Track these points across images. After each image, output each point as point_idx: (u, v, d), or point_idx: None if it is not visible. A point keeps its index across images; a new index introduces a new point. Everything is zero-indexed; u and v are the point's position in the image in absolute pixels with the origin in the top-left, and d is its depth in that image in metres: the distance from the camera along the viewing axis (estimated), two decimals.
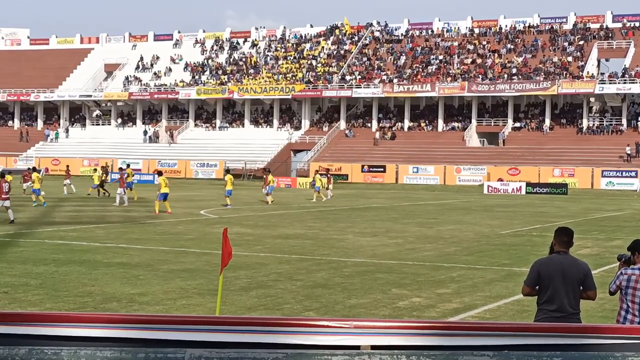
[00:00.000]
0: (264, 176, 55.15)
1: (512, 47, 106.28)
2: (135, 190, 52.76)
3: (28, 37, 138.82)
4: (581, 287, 9.91)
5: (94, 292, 17.21)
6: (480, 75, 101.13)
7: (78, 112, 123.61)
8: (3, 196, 33.81)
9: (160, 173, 46.25)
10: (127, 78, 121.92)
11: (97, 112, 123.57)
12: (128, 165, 51.88)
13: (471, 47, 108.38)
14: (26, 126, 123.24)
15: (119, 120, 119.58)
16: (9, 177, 38.96)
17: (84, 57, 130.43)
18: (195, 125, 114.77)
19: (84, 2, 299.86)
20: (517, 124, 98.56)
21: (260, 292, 17.65)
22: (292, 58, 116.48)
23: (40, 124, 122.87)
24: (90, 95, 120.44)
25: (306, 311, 15.70)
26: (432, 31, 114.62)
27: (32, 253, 23.59)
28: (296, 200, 55.22)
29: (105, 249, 25.10)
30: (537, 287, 9.98)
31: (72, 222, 34.99)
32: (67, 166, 67.37)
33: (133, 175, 54.32)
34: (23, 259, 22.27)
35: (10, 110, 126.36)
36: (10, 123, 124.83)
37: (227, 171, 51.25)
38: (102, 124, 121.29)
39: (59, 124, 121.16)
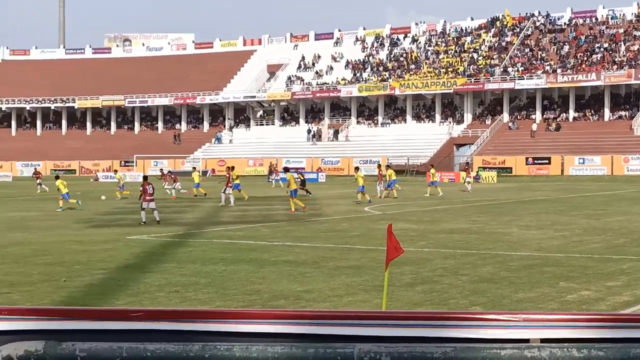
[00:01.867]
0: (379, 172, 55.75)
1: None
2: (244, 191, 52.74)
3: (193, 42, 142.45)
4: None
5: (262, 290, 17.43)
6: None
7: (242, 113, 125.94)
8: (147, 198, 34.69)
9: (287, 169, 46.63)
10: (289, 78, 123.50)
11: (261, 112, 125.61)
12: (233, 168, 52.29)
13: (638, 33, 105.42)
14: (193, 128, 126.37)
15: (283, 119, 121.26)
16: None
17: (247, 58, 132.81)
18: (358, 122, 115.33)
19: (246, 5, 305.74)
20: None
21: (426, 287, 17.59)
22: (452, 52, 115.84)
23: (206, 126, 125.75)
24: (254, 96, 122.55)
25: (472, 306, 15.57)
26: (596, 19, 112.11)
27: (201, 253, 24.08)
28: (459, 195, 54.86)
29: (272, 247, 25.43)
30: None
31: (239, 222, 35.62)
32: (161, 170, 69.17)
33: (237, 178, 53.70)
34: (192, 258, 22.77)
35: (178, 114, 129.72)
36: (177, 126, 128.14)
37: (357, 169, 51.61)
38: (266, 124, 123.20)
39: (224, 126, 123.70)
